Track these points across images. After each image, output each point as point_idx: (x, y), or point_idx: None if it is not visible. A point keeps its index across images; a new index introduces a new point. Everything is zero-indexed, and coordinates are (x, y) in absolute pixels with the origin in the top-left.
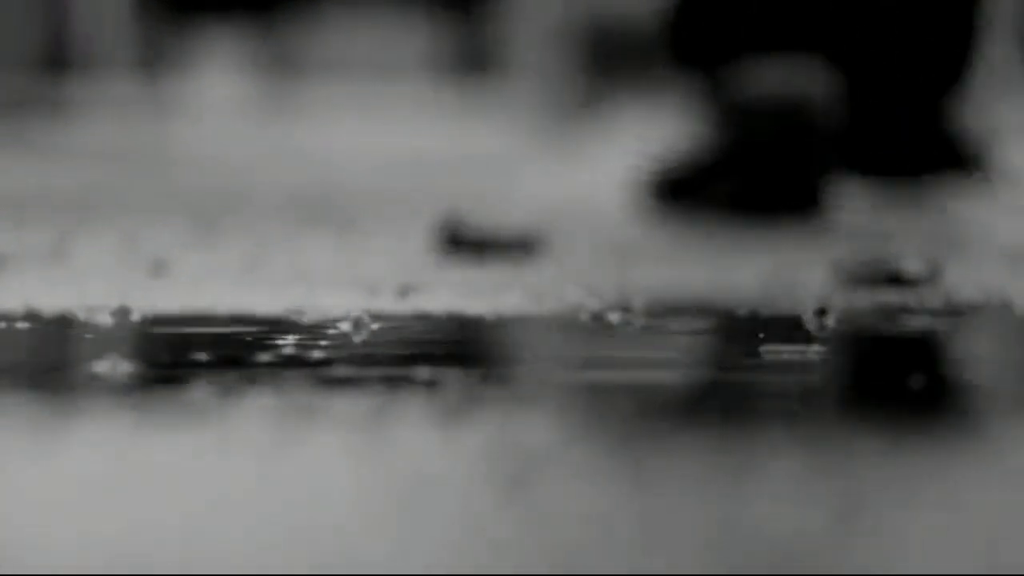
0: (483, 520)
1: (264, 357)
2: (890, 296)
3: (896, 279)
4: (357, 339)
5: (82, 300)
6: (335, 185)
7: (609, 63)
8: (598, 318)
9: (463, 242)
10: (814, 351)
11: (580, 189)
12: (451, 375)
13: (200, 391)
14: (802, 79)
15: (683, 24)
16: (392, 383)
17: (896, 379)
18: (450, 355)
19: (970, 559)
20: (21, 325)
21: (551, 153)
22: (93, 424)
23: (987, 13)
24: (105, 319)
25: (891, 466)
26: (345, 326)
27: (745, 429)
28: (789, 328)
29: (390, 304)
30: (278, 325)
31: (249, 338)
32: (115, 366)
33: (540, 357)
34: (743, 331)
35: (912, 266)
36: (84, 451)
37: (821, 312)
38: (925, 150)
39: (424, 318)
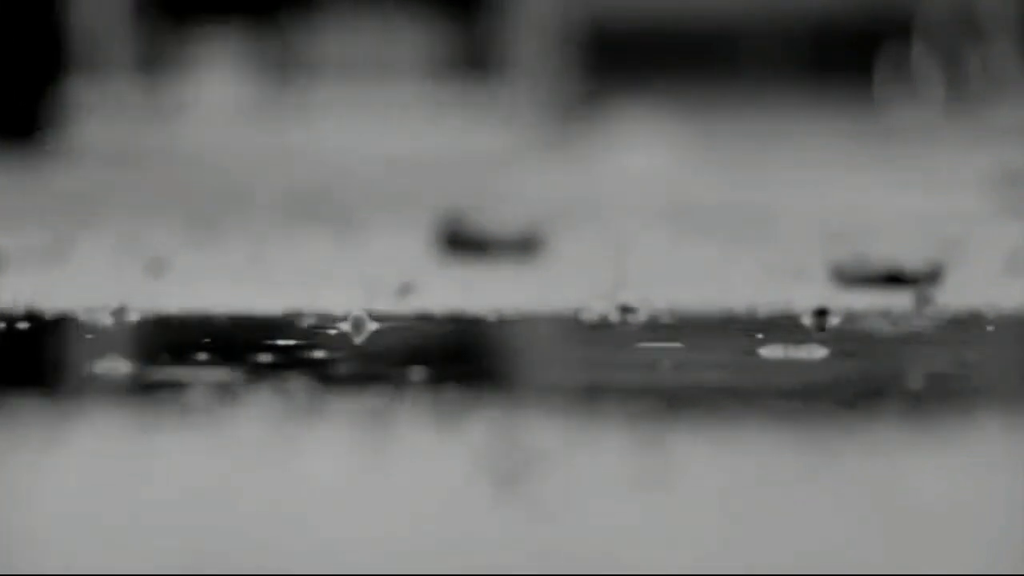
0: (483, 519)
1: (264, 357)
2: (890, 296)
3: (896, 279)
4: (357, 339)
5: (82, 300)
6: (335, 185)
7: (608, 63)
8: (598, 318)
9: (463, 242)
10: (814, 351)
11: (580, 188)
12: (451, 375)
13: (200, 391)
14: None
15: None
16: (392, 383)
17: (895, 379)
18: (450, 355)
19: (970, 558)
20: (21, 325)
21: (551, 153)
22: (93, 424)
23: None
24: (105, 319)
25: (890, 464)
26: (345, 326)
27: (745, 428)
28: (789, 328)
29: (390, 304)
30: (278, 325)
31: (249, 338)
32: (115, 366)
33: (540, 357)
34: (743, 331)
35: (912, 266)
36: (84, 451)
37: (821, 312)
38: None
39: (424, 318)
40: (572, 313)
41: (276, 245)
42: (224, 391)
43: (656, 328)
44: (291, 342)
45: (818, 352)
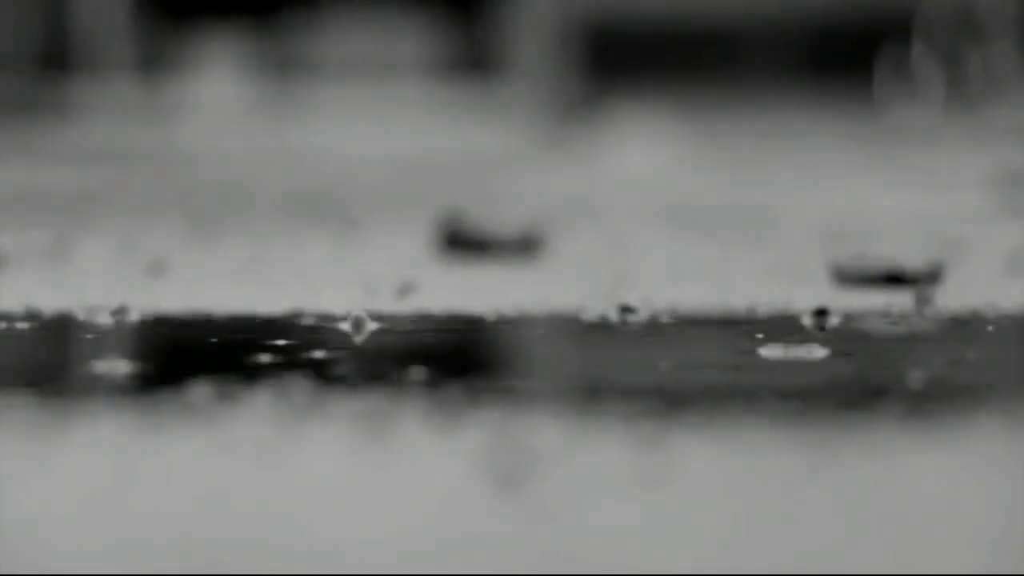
0: (483, 519)
1: (264, 357)
2: (890, 296)
3: (896, 279)
4: (357, 339)
5: (82, 300)
6: (335, 185)
7: (608, 63)
8: (598, 318)
9: (463, 242)
10: (814, 351)
11: (580, 188)
12: (451, 375)
13: (200, 391)
14: None
15: None
16: (392, 383)
17: (895, 379)
18: (450, 355)
19: (970, 558)
20: (21, 325)
21: (551, 153)
22: (93, 424)
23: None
24: (105, 319)
25: (890, 464)
26: (345, 326)
27: (745, 428)
28: (789, 328)
29: (390, 304)
30: (278, 325)
31: (249, 338)
32: (115, 366)
33: (540, 357)
34: (743, 331)
35: (912, 266)
36: (84, 451)
37: (821, 312)
38: None
39: (424, 318)
40: (572, 313)
41: (276, 245)
42: (224, 391)
43: (656, 328)
44: (291, 342)
45: (818, 352)
